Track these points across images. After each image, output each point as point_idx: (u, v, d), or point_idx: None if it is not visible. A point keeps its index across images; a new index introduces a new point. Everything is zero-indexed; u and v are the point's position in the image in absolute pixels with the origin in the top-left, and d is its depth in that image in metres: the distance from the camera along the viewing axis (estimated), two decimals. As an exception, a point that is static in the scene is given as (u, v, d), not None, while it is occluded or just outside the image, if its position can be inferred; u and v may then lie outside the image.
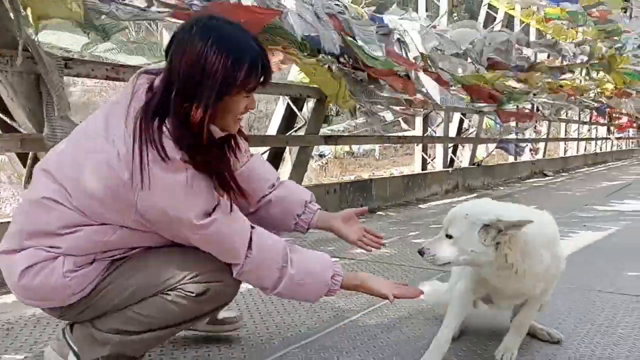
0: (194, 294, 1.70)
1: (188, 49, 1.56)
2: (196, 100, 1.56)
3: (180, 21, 3.71)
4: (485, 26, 9.38)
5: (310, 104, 5.51)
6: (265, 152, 5.47)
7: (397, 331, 2.39)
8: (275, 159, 5.48)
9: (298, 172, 5.42)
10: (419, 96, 5.87)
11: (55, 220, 1.62)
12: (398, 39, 5.13)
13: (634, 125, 21.26)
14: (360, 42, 4.50)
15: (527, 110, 10.29)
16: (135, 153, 1.55)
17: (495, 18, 9.74)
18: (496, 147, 10.15)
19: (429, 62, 5.67)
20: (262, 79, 1.66)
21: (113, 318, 1.73)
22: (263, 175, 2.08)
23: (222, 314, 2.21)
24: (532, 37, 10.64)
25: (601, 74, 11.51)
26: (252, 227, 1.75)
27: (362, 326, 2.45)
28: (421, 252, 1.88)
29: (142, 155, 1.55)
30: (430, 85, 5.43)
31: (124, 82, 3.50)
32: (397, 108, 7.09)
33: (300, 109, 5.55)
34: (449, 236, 1.84)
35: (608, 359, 2.14)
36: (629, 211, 6.54)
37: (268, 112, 13.88)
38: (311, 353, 2.15)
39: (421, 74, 5.36)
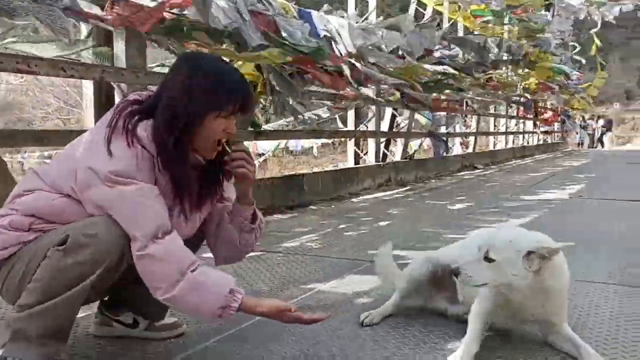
0: (57, 244, 1.69)
1: (180, 72, 1.81)
2: (180, 112, 1.76)
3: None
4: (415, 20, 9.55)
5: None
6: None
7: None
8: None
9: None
10: (349, 90, 5.90)
11: (25, 185, 1.85)
12: (325, 36, 5.12)
13: (559, 119, 22.27)
14: (284, 34, 4.46)
15: (456, 100, 10.59)
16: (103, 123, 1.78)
17: (424, 14, 9.93)
18: (426, 137, 10.36)
19: (358, 59, 5.70)
20: (241, 105, 1.82)
21: (22, 295, 1.71)
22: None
23: (162, 320, 2.20)
24: (460, 34, 10.92)
25: (525, 70, 11.99)
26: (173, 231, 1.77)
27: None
28: (456, 273, 1.97)
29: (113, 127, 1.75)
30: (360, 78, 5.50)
31: (39, 76, 3.36)
32: (328, 102, 7.13)
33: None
34: (488, 259, 1.92)
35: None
36: (551, 199, 6.84)
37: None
38: (232, 345, 2.12)
39: (346, 69, 5.40)
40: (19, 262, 1.75)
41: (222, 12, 4.08)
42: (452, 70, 7.81)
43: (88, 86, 4.33)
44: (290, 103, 5.06)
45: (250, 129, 5.65)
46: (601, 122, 32.05)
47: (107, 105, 4.31)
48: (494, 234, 1.99)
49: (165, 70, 4.69)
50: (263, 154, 21.47)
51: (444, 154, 9.80)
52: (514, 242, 1.91)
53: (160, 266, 1.72)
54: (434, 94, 8.52)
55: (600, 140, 30.66)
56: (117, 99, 4.28)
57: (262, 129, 5.57)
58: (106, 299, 2.16)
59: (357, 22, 6.63)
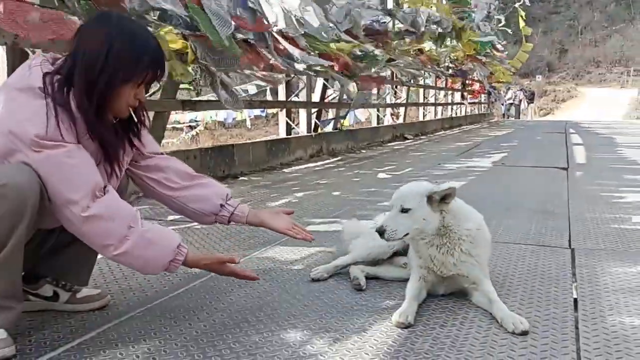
0: None
1: (96, 33, 1.76)
2: (98, 79, 1.74)
3: None
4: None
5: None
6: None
7: (248, 288, 2.41)
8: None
9: (155, 139, 5.21)
10: (274, 61, 5.83)
11: None
12: (251, 9, 5.02)
13: (485, 91, 22.98)
14: (208, 13, 4.33)
15: (385, 76, 10.69)
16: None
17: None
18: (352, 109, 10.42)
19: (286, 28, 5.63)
20: (158, 74, 1.86)
21: None
22: (178, 164, 2.18)
23: (84, 292, 2.15)
24: (390, 5, 11.00)
25: (453, 42, 12.24)
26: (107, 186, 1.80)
27: (212, 286, 2.44)
28: (381, 231, 2.13)
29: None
30: (288, 48, 5.43)
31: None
32: (259, 74, 7.04)
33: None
34: (404, 210, 2.13)
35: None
36: (475, 167, 7.10)
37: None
38: (157, 314, 2.10)
39: (278, 38, 5.34)
40: None
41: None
42: (377, 51, 7.87)
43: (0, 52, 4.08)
44: (219, 76, 4.94)
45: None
46: (519, 93, 33.17)
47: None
48: (401, 189, 2.22)
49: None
50: (195, 127, 21.10)
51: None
52: (417, 190, 2.17)
53: (106, 224, 1.74)
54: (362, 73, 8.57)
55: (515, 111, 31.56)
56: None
57: (188, 99, 5.43)
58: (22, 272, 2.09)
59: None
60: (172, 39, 4.45)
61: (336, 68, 6.84)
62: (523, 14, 18.24)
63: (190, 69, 4.76)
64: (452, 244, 2.19)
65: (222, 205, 2.18)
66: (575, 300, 2.31)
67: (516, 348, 1.85)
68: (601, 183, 5.65)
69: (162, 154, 2.18)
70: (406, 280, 2.44)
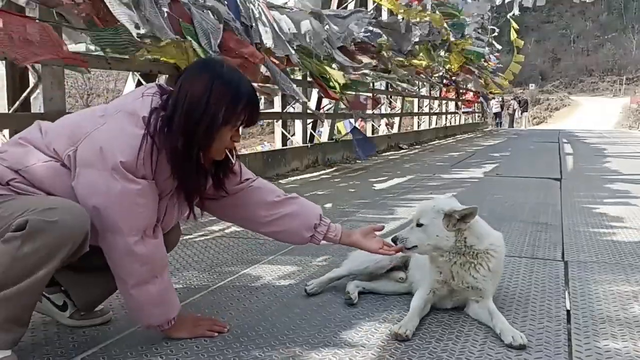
0: (14, 228, 1.64)
1: (199, 77, 1.86)
2: (200, 122, 1.83)
3: None
4: (339, 4, 9.62)
5: (162, 80, 5.34)
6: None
7: (247, 302, 2.44)
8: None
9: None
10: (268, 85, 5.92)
11: (25, 133, 1.90)
12: (245, 25, 5.08)
13: (479, 100, 23.13)
14: (198, 31, 4.38)
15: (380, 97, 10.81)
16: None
17: (349, -4, 10.03)
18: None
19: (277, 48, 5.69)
20: (251, 119, 1.94)
21: None
22: (265, 194, 2.23)
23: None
24: (385, 17, 11.10)
25: (445, 53, 12.34)
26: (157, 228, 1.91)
27: (212, 300, 2.47)
28: (395, 240, 2.25)
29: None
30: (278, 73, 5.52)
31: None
32: (256, 85, 7.10)
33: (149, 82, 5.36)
34: (419, 225, 2.21)
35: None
36: (468, 178, 7.17)
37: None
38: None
39: (270, 65, 5.41)
40: None
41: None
42: (366, 71, 7.97)
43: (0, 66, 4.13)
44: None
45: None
46: (512, 102, 33.32)
47: (21, 86, 4.15)
48: (422, 204, 2.28)
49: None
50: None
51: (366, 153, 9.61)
52: (436, 207, 2.22)
53: (137, 265, 1.83)
54: (351, 92, 8.66)
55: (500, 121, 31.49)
56: (31, 80, 4.12)
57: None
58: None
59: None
60: (170, 52, 4.48)
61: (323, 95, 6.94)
62: (515, 25, 18.41)
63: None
64: (475, 262, 2.23)
65: (312, 236, 2.23)
66: (569, 312, 2.36)
67: (511, 356, 1.89)
68: (594, 194, 5.72)
69: (248, 179, 2.21)
70: (403, 294, 2.49)
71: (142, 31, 3.98)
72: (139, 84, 5.33)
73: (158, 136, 1.82)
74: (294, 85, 6.19)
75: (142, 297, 1.88)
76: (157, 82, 2.06)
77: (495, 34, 19.25)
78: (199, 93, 1.84)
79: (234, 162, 2.06)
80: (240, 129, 1.95)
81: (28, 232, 1.63)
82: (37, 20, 3.55)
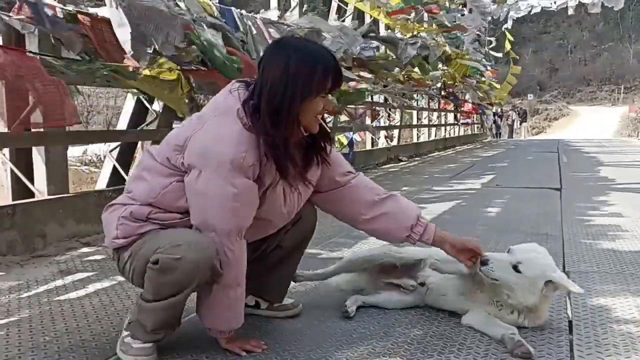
0: (150, 262, 1.87)
1: (275, 60, 1.92)
2: (283, 100, 1.88)
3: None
4: (337, 19, 9.68)
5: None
6: (116, 147, 5.27)
7: (247, 317, 2.43)
8: (127, 154, 5.29)
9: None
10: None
11: (140, 166, 2.06)
12: (242, 41, 5.11)
13: (478, 112, 23.20)
14: (209, 36, 4.43)
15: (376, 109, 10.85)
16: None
17: (346, 10, 10.09)
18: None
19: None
20: (336, 81, 1.97)
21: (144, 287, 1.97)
22: (366, 192, 2.29)
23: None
24: (382, 31, 11.18)
25: (444, 66, 12.39)
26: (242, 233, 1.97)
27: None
28: (484, 262, 2.19)
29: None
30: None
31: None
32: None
33: (152, 103, 5.39)
34: (516, 269, 2.16)
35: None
36: (468, 189, 7.17)
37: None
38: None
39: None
40: (130, 259, 1.96)
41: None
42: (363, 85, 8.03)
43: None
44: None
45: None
46: (511, 113, 33.46)
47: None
48: (534, 254, 2.22)
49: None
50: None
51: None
52: (544, 270, 2.17)
53: (229, 269, 1.93)
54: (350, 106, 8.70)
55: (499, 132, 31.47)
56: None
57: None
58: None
59: (279, 18, 6.67)
60: (165, 73, 4.51)
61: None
62: (510, 37, 18.49)
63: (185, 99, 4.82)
64: (523, 313, 2.25)
65: (408, 236, 2.26)
66: (570, 323, 2.35)
67: (513, 374, 1.89)
68: (594, 204, 5.73)
69: (350, 172, 2.29)
70: (407, 308, 2.48)
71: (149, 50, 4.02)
72: (138, 101, 5.35)
73: (253, 125, 1.90)
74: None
75: (221, 299, 1.98)
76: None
77: (493, 45, 19.33)
78: (278, 71, 1.89)
79: (329, 134, 2.11)
80: (328, 96, 1.99)
81: (160, 268, 1.85)
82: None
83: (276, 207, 2.05)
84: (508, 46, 18.53)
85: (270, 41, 5.53)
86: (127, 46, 3.68)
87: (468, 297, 2.35)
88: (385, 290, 2.57)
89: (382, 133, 13.45)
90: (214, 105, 2.01)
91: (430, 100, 17.12)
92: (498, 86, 20.45)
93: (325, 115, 2.15)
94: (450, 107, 19.51)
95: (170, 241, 1.87)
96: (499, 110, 30.12)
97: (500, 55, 20.05)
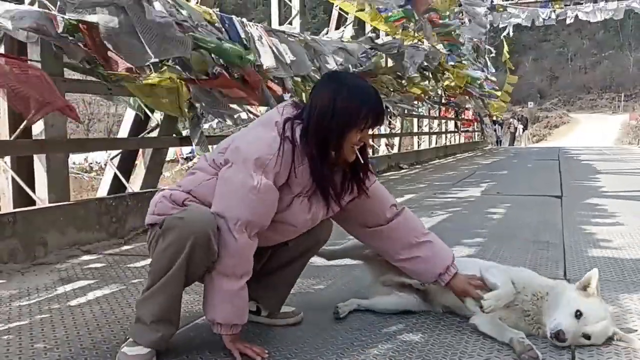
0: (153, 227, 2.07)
1: (325, 89, 2.11)
2: (329, 128, 2.06)
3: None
4: (337, 27, 9.72)
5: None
6: (117, 155, 5.28)
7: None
8: (128, 162, 5.30)
9: (153, 175, 5.28)
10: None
11: (196, 165, 2.26)
12: (245, 46, 5.14)
13: (478, 120, 23.23)
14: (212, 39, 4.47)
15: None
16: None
17: (346, 19, 10.13)
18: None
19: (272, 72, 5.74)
20: (377, 121, 2.13)
21: None
22: (406, 233, 2.42)
23: (283, 309, 2.48)
24: (383, 38, 11.20)
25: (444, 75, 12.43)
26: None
27: (201, 325, 2.46)
28: (562, 340, 2.10)
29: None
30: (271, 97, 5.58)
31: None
32: (255, 110, 7.14)
33: (153, 111, 5.40)
34: (586, 337, 2.14)
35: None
36: (469, 197, 7.17)
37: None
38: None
39: (266, 90, 5.48)
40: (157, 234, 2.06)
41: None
42: None
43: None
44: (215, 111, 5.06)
45: (174, 135, 5.60)
46: (513, 121, 33.50)
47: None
48: (604, 324, 2.15)
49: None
50: (190, 158, 21.24)
51: None
52: (608, 327, 2.16)
53: (227, 256, 1.99)
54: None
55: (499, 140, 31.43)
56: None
57: (186, 135, 5.50)
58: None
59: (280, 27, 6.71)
60: (165, 81, 4.53)
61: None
62: (507, 48, 18.56)
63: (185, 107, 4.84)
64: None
65: (436, 281, 2.41)
66: (571, 332, 2.34)
67: (514, 382, 1.89)
68: (595, 211, 5.72)
69: (394, 206, 2.43)
70: (409, 316, 2.48)
71: (152, 59, 4.04)
72: (139, 108, 5.36)
73: (296, 142, 2.07)
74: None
75: (218, 286, 2.02)
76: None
77: (493, 54, 19.41)
78: (327, 102, 2.07)
79: (362, 160, 2.21)
80: (368, 131, 2.13)
81: (163, 229, 1.99)
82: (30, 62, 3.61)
83: (301, 215, 2.17)
84: (506, 55, 18.59)
85: (274, 49, 5.57)
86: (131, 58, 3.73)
87: None
88: (383, 294, 2.58)
89: (383, 141, 13.46)
90: (261, 117, 2.26)
91: (430, 108, 17.14)
92: (499, 94, 20.47)
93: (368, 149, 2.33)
94: (451, 114, 19.55)
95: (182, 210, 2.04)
96: (500, 118, 30.15)
97: (493, 70, 20.15)
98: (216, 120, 7.46)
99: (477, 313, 2.32)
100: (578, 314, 2.12)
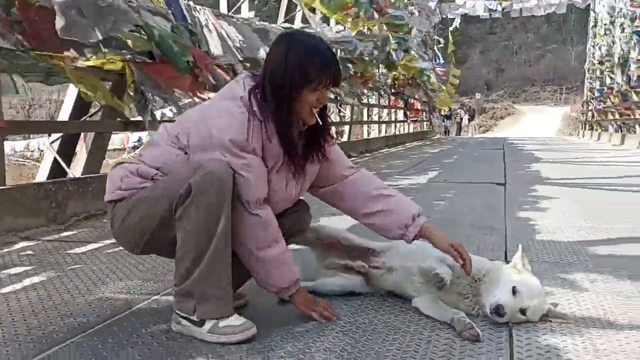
0: (180, 201, 1.97)
1: (277, 50, 2.09)
2: (283, 88, 2.03)
3: None
4: (287, 13, 9.66)
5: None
6: (57, 139, 5.10)
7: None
8: (69, 146, 5.13)
9: (95, 160, 5.12)
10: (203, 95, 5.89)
11: (155, 135, 2.22)
12: (190, 30, 5.03)
13: (426, 110, 23.63)
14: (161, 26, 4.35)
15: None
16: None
17: (297, 6, 10.07)
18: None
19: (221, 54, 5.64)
20: (334, 78, 2.10)
21: (176, 271, 2.07)
22: (366, 186, 2.39)
23: None
24: (333, 27, 11.21)
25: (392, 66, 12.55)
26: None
27: (155, 308, 2.42)
28: (501, 314, 2.15)
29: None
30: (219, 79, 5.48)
31: None
32: (204, 95, 7.01)
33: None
34: (523, 312, 2.19)
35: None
36: (416, 184, 7.28)
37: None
38: (99, 339, 2.07)
39: (214, 69, 5.37)
40: (135, 210, 2.04)
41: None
42: None
43: None
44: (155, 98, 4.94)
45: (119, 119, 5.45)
46: (460, 112, 34.29)
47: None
48: (540, 300, 2.23)
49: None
50: (138, 147, 20.81)
51: None
52: (542, 304, 2.23)
53: (261, 230, 2.06)
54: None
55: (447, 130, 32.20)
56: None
57: (131, 120, 5.36)
58: None
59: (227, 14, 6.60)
60: (108, 62, 4.39)
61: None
62: (452, 39, 18.92)
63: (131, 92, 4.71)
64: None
65: (403, 235, 2.33)
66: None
67: (455, 353, 1.94)
68: (536, 198, 5.90)
69: (351, 167, 2.41)
70: (355, 298, 2.50)
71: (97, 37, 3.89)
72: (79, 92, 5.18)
73: (259, 110, 2.05)
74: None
75: (268, 260, 2.09)
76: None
77: (441, 44, 19.73)
78: (279, 59, 2.05)
79: (320, 122, 2.17)
80: (326, 90, 2.10)
81: (195, 192, 1.93)
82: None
83: (280, 190, 2.17)
84: (451, 47, 18.95)
85: (221, 32, 5.48)
86: (65, 32, 3.56)
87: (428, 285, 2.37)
88: (328, 276, 2.59)
89: (332, 129, 13.50)
90: (222, 92, 2.19)
91: (380, 97, 17.30)
92: (444, 87, 20.86)
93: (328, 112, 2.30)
94: (400, 104, 19.80)
95: (188, 169, 2.00)
96: (447, 110, 30.75)
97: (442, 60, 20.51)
98: (169, 108, 7.30)
99: (419, 295, 2.36)
100: (514, 290, 2.18)
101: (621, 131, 19.99)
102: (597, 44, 26.61)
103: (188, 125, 2.09)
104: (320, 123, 2.17)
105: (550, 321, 2.23)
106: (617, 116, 20.89)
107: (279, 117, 2.06)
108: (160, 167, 2.08)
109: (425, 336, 2.12)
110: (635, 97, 17.06)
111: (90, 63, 4.58)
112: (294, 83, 2.03)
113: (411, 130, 23.39)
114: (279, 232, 2.13)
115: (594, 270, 3.02)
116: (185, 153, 2.08)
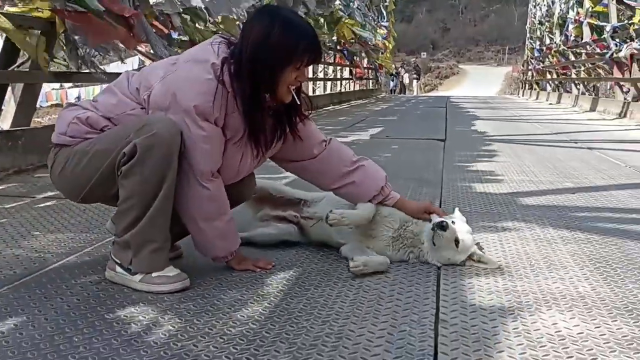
0: (123, 159, 1.93)
1: (258, 26, 2.00)
2: (261, 65, 1.97)
3: None
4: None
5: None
6: (-17, 91, 4.84)
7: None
8: (-4, 98, 4.88)
9: (25, 113, 4.90)
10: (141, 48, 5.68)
11: (115, 83, 2.13)
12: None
13: (372, 67, 23.66)
14: None
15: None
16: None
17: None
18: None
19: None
20: (314, 58, 2.07)
21: (117, 221, 2.06)
22: (336, 163, 2.40)
23: None
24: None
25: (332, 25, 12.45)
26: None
27: (87, 261, 2.38)
28: (443, 228, 2.25)
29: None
30: (151, 32, 5.29)
31: None
32: (142, 49, 6.78)
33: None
34: (457, 240, 2.30)
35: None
36: (358, 140, 7.35)
37: None
38: (26, 291, 2.02)
39: (145, 22, 5.17)
40: (76, 161, 2.00)
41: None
42: None
43: None
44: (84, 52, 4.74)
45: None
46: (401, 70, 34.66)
47: None
48: (470, 236, 2.36)
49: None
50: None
51: None
52: (470, 244, 2.34)
53: (208, 203, 2.07)
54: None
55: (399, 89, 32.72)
56: None
57: (64, 71, 5.14)
58: None
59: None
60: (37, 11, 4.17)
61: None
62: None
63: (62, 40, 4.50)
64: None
65: (369, 201, 2.40)
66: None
67: (384, 297, 2.00)
68: (473, 153, 6.07)
69: (323, 142, 2.38)
70: (289, 249, 2.54)
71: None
72: (8, 39, 4.91)
73: (230, 82, 1.99)
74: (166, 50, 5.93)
75: (211, 231, 2.11)
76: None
77: (386, 2, 19.66)
78: (260, 37, 1.97)
79: (299, 102, 2.16)
80: (305, 69, 2.08)
81: (141, 152, 1.89)
82: None
83: (231, 163, 2.13)
84: (392, 6, 18.94)
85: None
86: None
87: (363, 233, 2.41)
88: (261, 227, 2.60)
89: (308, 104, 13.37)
90: (190, 53, 2.12)
91: (325, 55, 17.17)
92: (388, 44, 20.89)
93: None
94: (346, 62, 19.73)
95: (134, 125, 1.94)
96: (395, 68, 30.92)
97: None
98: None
99: (346, 243, 2.41)
100: (452, 222, 2.32)
101: (558, 90, 20.63)
102: (538, 4, 27.12)
103: (151, 81, 2.03)
104: (297, 101, 2.15)
105: (476, 265, 2.32)
106: (554, 76, 21.52)
107: (252, 97, 2.02)
108: (112, 117, 2.02)
109: (356, 282, 2.17)
110: (572, 57, 17.55)
111: (16, 10, 4.33)
112: (277, 63, 1.99)
113: (357, 88, 23.41)
114: (226, 205, 2.14)
115: (521, 220, 3.16)
116: (142, 108, 2.03)
